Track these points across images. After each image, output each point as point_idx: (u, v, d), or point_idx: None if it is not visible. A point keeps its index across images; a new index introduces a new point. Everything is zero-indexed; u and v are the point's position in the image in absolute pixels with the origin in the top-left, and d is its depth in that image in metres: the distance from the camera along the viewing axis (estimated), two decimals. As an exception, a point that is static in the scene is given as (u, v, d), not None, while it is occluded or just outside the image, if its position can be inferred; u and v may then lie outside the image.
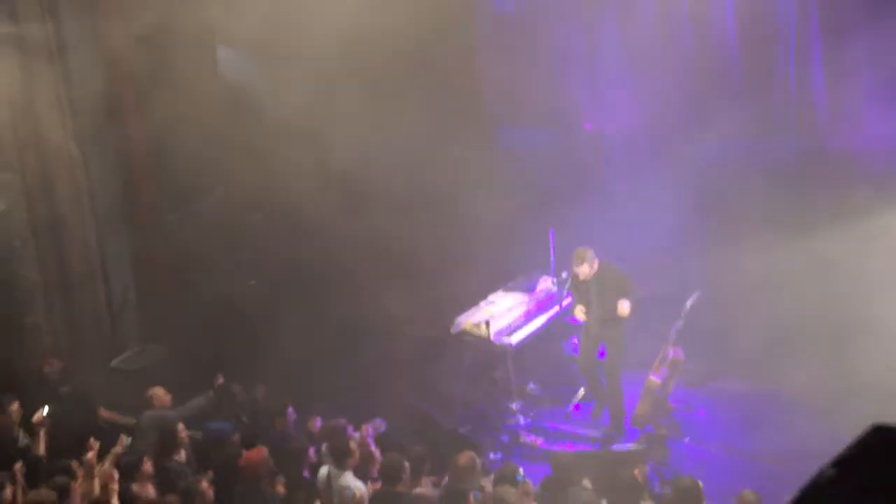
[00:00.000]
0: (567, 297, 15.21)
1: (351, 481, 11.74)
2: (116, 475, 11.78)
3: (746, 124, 14.69)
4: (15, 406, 14.08)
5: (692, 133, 14.86)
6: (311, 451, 13.05)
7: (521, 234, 15.42)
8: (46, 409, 13.50)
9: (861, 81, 14.53)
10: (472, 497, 11.43)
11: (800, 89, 15.15)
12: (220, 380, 14.57)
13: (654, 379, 13.88)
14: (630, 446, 13.70)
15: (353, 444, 12.25)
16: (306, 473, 12.82)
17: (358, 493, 11.61)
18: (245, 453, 12.53)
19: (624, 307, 13.67)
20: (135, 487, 12.00)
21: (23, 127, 16.00)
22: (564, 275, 14.84)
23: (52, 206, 16.40)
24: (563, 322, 15.19)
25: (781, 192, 14.47)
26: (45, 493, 10.99)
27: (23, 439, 13.99)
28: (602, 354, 14.30)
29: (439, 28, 15.95)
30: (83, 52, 16.69)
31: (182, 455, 13.13)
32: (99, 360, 16.21)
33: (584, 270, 13.63)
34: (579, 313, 13.92)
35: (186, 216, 16.77)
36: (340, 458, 11.99)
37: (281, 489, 12.24)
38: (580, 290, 14.08)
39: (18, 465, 12.19)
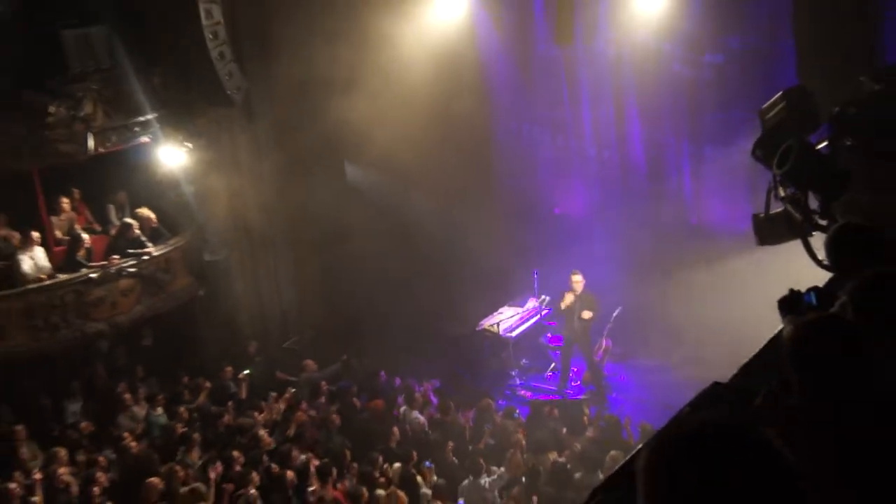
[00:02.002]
0: (547, 311, 15.95)
1: (416, 415, 13.65)
2: (287, 410, 14.13)
3: (651, 208, 15.37)
4: (229, 368, 15.49)
5: (622, 213, 15.42)
6: (400, 400, 14.33)
7: (517, 274, 16.19)
8: (247, 371, 15.30)
9: (713, 184, 15.02)
10: (486, 427, 13.37)
11: (679, 189, 15.74)
12: (345, 356, 15.63)
13: (595, 357, 15.07)
14: (580, 397, 14.81)
15: (418, 395, 14.18)
16: (396, 413, 14.07)
17: (420, 421, 13.54)
18: (369, 403, 14.28)
19: (588, 314, 14.55)
20: (298, 416, 13.95)
21: (232, 199, 16.53)
22: (546, 297, 15.91)
23: (250, 249, 17.19)
24: (541, 325, 16.02)
25: (671, 247, 14.92)
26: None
27: (233, 387, 15.25)
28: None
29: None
30: (269, 158, 16.88)
31: (322, 399, 14.62)
32: (277, 342, 17.00)
33: (578, 279, 14.46)
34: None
35: (332, 254, 16.81)
36: (411, 402, 14.02)
37: (376, 416, 13.94)
38: (569, 309, 14.63)
39: (230, 404, 14.52)
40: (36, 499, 12.29)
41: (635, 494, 1.83)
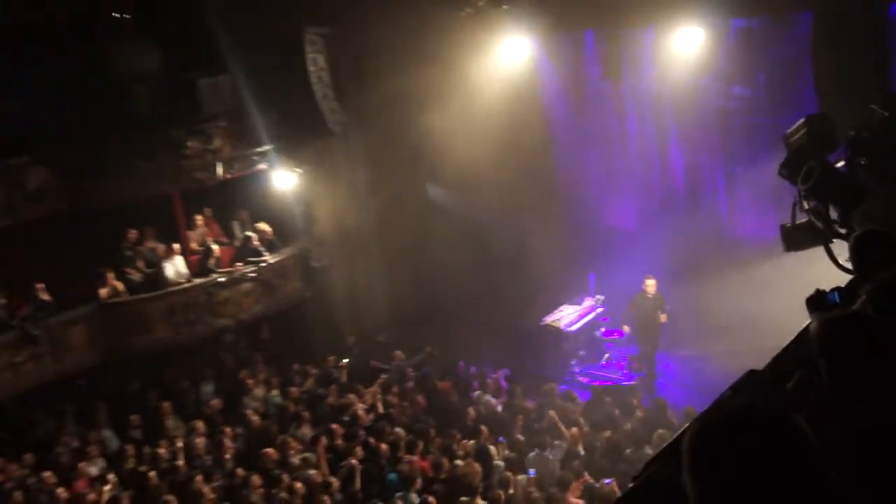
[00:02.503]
0: (601, 308, 15.68)
1: (489, 398, 13.54)
2: (380, 393, 14.27)
3: (689, 220, 14.86)
4: (332, 358, 15.52)
5: (664, 224, 14.88)
6: (475, 385, 14.24)
7: (574, 276, 15.83)
8: (346, 360, 15.38)
9: (743, 199, 14.74)
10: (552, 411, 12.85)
11: (714, 203, 15.46)
12: (428, 348, 15.47)
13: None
14: (632, 382, 14.40)
15: (490, 381, 14.05)
16: (472, 396, 13.93)
17: (492, 403, 13.45)
18: (440, 384, 14.33)
19: (663, 317, 14.31)
20: (389, 398, 14.19)
21: (333, 215, 16.66)
22: (600, 297, 15.66)
23: (348, 257, 17.15)
24: (597, 321, 15.62)
25: (707, 254, 14.50)
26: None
27: (335, 373, 15.28)
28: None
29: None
30: (363, 179, 17.04)
31: (409, 384, 14.53)
32: (370, 336, 16.91)
33: (651, 283, 14.16)
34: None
35: (416, 260, 16.75)
36: (484, 387, 13.90)
37: (455, 398, 14.12)
38: (643, 304, 14.39)
39: (333, 387, 14.69)
40: (179, 462, 12.72)
41: (679, 469, 1.81)
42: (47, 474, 12.67)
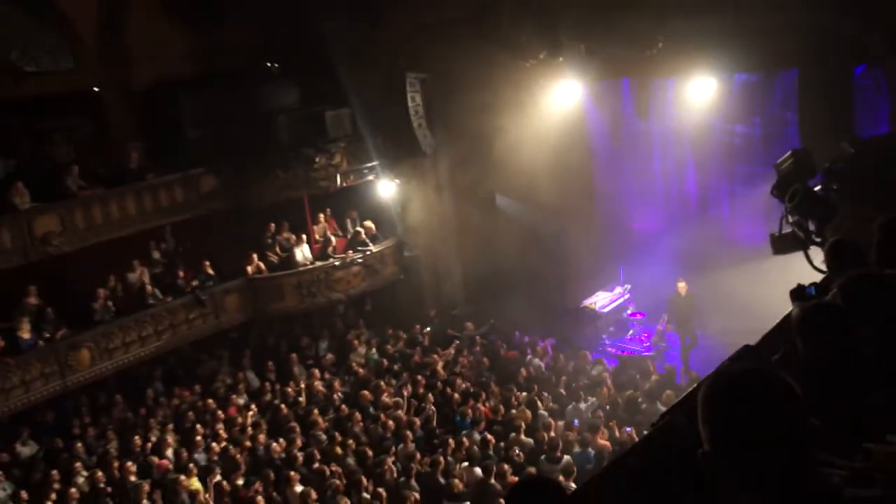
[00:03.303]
0: (628, 294, 15.41)
1: (538, 362, 13.56)
2: (453, 354, 14.25)
3: (699, 227, 14.55)
4: (418, 326, 15.57)
5: (679, 230, 14.67)
6: (528, 351, 14.20)
7: (608, 268, 15.60)
8: (429, 328, 15.44)
9: (741, 213, 14.18)
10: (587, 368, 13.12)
11: (719, 215, 15.01)
12: (492, 321, 15.51)
13: (660, 327, 14.49)
14: (650, 354, 14.03)
15: (540, 348, 14.06)
16: (525, 358, 13.84)
17: (540, 365, 13.46)
18: (507, 352, 14.31)
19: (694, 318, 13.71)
20: (461, 359, 14.11)
21: (422, 216, 16.63)
22: (628, 285, 15.45)
23: (432, 249, 16.95)
24: (624, 305, 15.37)
25: (711, 254, 13.96)
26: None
27: (420, 338, 15.22)
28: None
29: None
30: (446, 189, 16.75)
31: (477, 348, 14.54)
32: (448, 310, 16.72)
33: (683, 285, 13.78)
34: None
35: (485, 253, 16.22)
36: (534, 352, 13.85)
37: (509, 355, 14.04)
38: (677, 302, 13.91)
39: (418, 348, 14.65)
40: (301, 399, 13.00)
41: (690, 417, 1.81)
42: (210, 401, 13.15)
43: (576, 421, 11.28)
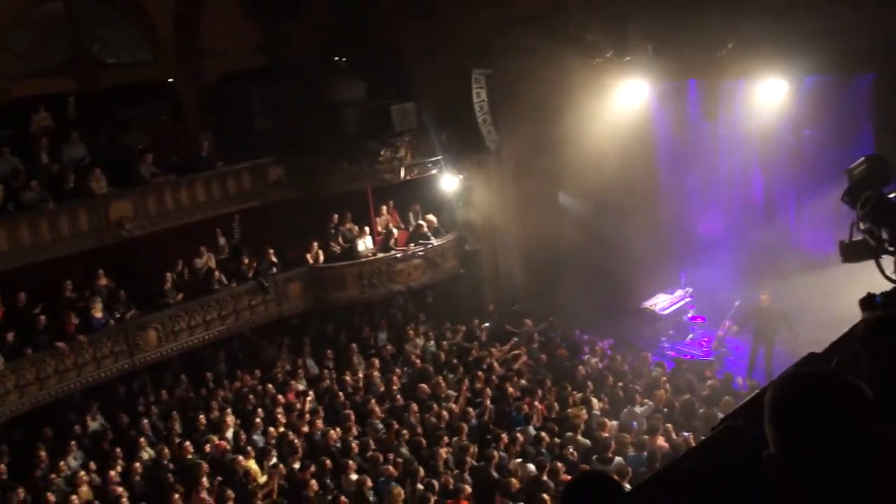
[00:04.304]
0: (688, 298, 15.17)
1: (596, 361, 13.44)
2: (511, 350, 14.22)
3: (764, 233, 14.21)
4: (476, 321, 15.57)
5: (744, 234, 14.39)
6: (585, 349, 14.13)
7: (669, 271, 15.44)
8: (487, 323, 15.46)
9: (808, 219, 14.05)
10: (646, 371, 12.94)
11: (784, 221, 14.70)
12: (551, 318, 15.30)
13: (720, 332, 14.15)
14: (710, 358, 13.77)
15: (598, 348, 13.97)
16: (582, 358, 13.81)
17: (597, 365, 13.36)
18: (560, 349, 14.04)
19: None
20: (518, 355, 14.00)
21: (484, 211, 16.57)
22: (689, 289, 15.17)
23: (493, 245, 17.10)
24: (685, 308, 15.14)
25: (775, 260, 13.71)
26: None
27: (478, 332, 15.25)
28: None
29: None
30: (509, 185, 16.76)
31: (535, 345, 14.46)
32: (507, 306, 16.72)
33: (766, 297, 13.30)
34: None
35: (546, 251, 16.01)
36: (592, 352, 13.79)
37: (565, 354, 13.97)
38: (758, 313, 13.46)
39: (475, 343, 14.80)
40: (361, 387, 13.12)
41: (753, 422, 1.76)
42: (269, 386, 13.43)
43: (634, 423, 11.15)
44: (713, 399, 11.40)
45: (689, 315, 15.25)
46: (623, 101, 15.03)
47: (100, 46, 15.89)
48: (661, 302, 15.30)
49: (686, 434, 10.34)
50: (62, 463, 11.36)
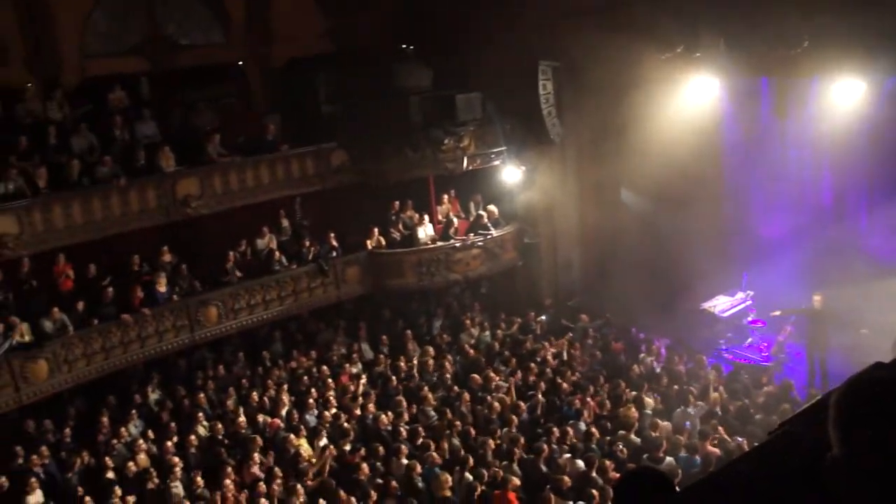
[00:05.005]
0: (749, 301, 14.84)
1: (651, 360, 13.30)
2: (565, 345, 14.25)
3: (832, 236, 13.79)
4: (532, 313, 15.60)
5: (810, 238, 13.80)
6: (642, 347, 13.97)
7: (730, 273, 15.06)
8: (543, 316, 15.44)
9: (880, 224, 13.63)
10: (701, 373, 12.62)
11: (855, 225, 14.23)
12: (607, 315, 15.34)
13: (780, 338, 13.90)
14: (768, 364, 13.53)
15: (654, 347, 13.75)
16: (638, 356, 13.49)
17: (652, 364, 13.21)
18: (614, 344, 14.20)
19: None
20: (573, 351, 14.14)
21: (545, 204, 16.54)
22: (751, 292, 14.91)
23: (553, 238, 16.88)
24: (745, 311, 14.82)
25: (843, 266, 13.12)
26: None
27: (533, 325, 15.33)
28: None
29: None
30: (570, 179, 16.65)
31: (590, 341, 14.50)
32: (563, 300, 16.69)
33: (818, 299, 13.07)
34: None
35: (605, 247, 16.13)
36: (648, 351, 13.62)
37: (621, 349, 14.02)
38: (812, 315, 13.22)
39: (530, 335, 14.91)
40: (415, 374, 13.24)
41: (813, 428, 1.71)
42: (324, 368, 13.64)
43: (688, 423, 11.01)
44: (770, 406, 11.21)
45: (749, 319, 14.94)
46: (691, 97, 14.74)
47: (174, 28, 16.25)
48: (720, 304, 15.01)
49: (740, 439, 10.17)
50: (123, 430, 11.90)
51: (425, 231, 15.90)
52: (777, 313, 14.01)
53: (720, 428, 10.44)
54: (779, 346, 13.97)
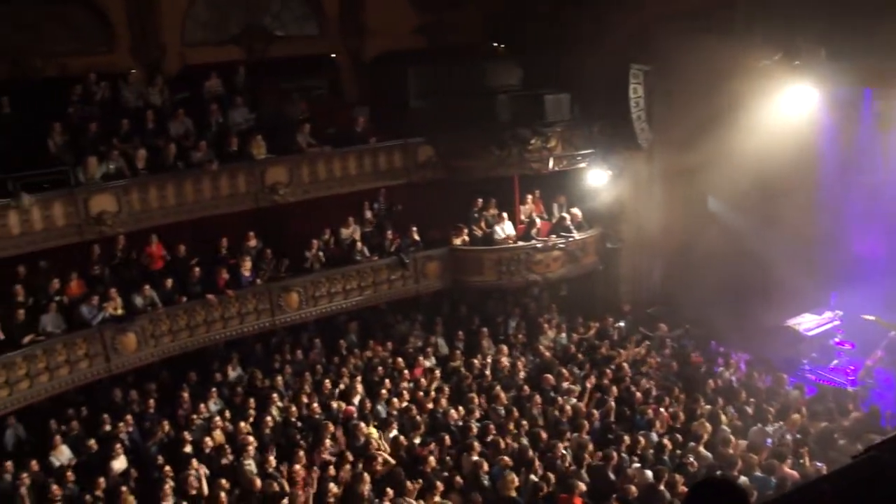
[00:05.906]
0: (837, 321, 14.42)
1: (729, 375, 13.09)
2: (642, 353, 14.13)
3: None
4: (610, 319, 15.44)
5: None
6: (719, 361, 13.75)
7: (817, 291, 14.74)
8: (621, 323, 15.22)
9: None
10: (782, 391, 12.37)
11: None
12: (687, 326, 15.07)
13: (869, 362, 13.51)
14: (854, 388, 12.95)
15: (733, 361, 13.49)
16: (716, 369, 13.44)
17: (730, 379, 12.97)
18: (692, 356, 13.97)
19: None
20: (650, 360, 13.88)
21: (629, 210, 16.50)
22: (840, 312, 14.43)
23: (636, 244, 16.69)
24: (832, 332, 14.46)
25: None
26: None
27: (610, 331, 15.26)
28: None
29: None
30: (657, 186, 16.39)
31: (667, 351, 14.30)
32: (643, 308, 16.46)
33: None
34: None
35: (688, 256, 15.57)
36: (727, 364, 13.43)
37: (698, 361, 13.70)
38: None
39: (606, 341, 14.97)
40: (487, 372, 13.31)
41: None
42: (399, 360, 13.82)
43: (768, 441, 10.75)
44: (856, 431, 10.85)
45: (836, 339, 14.49)
46: (789, 107, 14.28)
47: (271, 19, 16.71)
48: (806, 322, 14.62)
49: (819, 465, 9.89)
50: (203, 406, 12.35)
51: (504, 230, 15.91)
52: (871, 318, 13.60)
53: (802, 450, 10.15)
54: (867, 370, 13.47)
